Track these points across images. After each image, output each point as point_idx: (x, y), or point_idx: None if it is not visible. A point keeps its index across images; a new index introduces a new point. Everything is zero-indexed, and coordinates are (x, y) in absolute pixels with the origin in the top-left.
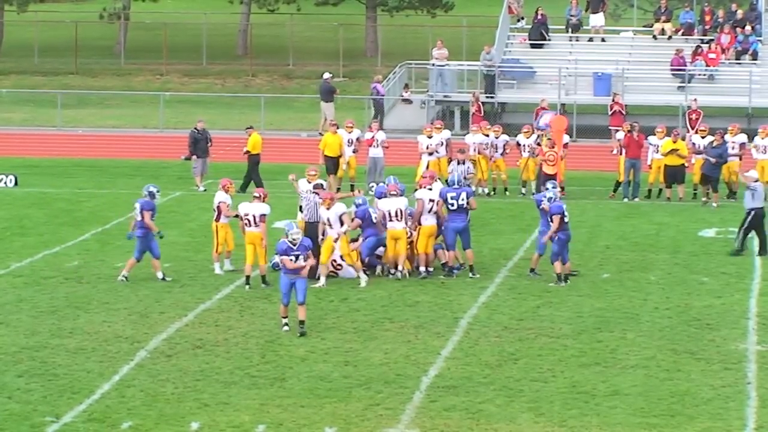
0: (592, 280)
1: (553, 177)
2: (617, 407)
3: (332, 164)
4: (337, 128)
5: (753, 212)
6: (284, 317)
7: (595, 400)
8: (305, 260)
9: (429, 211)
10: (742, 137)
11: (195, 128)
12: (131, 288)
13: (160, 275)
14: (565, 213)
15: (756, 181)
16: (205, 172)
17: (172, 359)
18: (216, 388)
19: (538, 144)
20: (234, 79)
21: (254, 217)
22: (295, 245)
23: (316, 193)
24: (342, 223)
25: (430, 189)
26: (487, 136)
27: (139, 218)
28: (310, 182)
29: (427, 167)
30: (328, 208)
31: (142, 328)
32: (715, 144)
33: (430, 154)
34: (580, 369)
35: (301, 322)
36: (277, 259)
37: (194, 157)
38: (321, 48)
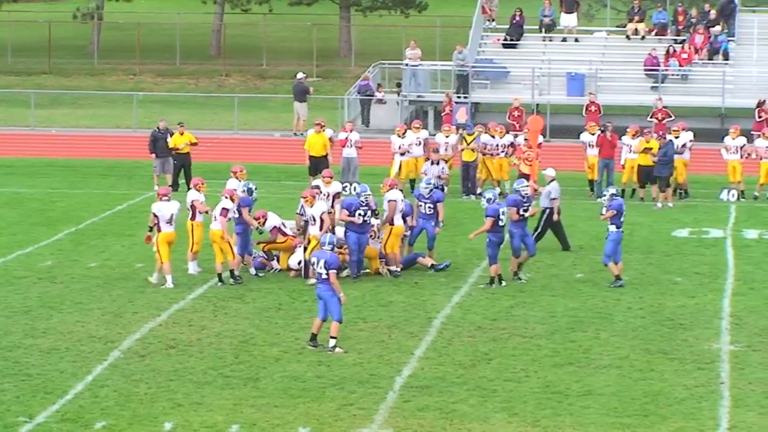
0: (566, 280)
1: (528, 176)
2: (590, 407)
3: (317, 164)
4: (322, 127)
5: (548, 210)
6: (316, 333)
7: (569, 399)
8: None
9: (399, 211)
10: (686, 136)
11: (157, 127)
12: (104, 288)
13: (252, 271)
14: (501, 217)
15: (552, 179)
16: (169, 171)
17: (146, 359)
18: (189, 388)
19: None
20: (207, 79)
21: (216, 209)
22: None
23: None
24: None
25: (401, 189)
26: (493, 137)
27: (236, 215)
28: (239, 180)
29: (400, 167)
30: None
31: (115, 328)
32: (660, 143)
33: (402, 154)
34: (553, 369)
35: (333, 338)
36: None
37: (153, 156)
38: (294, 48)
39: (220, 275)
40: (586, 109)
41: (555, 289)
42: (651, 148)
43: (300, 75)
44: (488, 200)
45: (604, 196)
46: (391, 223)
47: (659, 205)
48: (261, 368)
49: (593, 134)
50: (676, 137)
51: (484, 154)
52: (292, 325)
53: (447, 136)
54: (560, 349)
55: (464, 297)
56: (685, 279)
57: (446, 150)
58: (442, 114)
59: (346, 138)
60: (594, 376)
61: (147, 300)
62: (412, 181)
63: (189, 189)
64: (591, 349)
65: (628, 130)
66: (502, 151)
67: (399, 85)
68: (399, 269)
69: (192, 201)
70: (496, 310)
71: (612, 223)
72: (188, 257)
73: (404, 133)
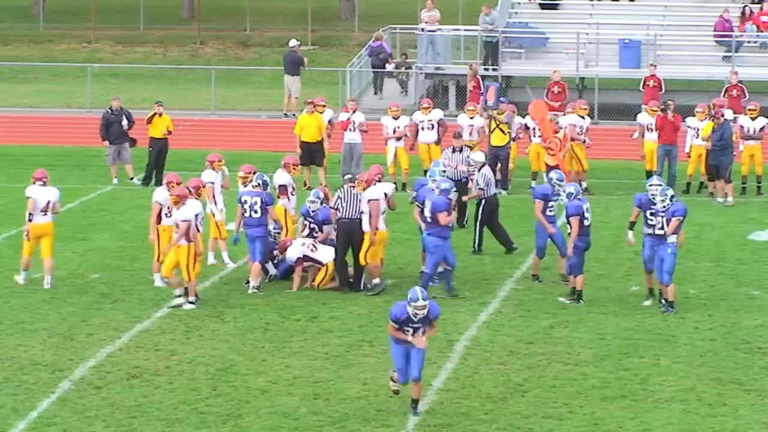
0: (618, 293)
1: (556, 168)
2: None
3: (310, 152)
4: (316, 107)
5: (484, 201)
6: (396, 392)
7: None
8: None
9: (382, 213)
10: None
11: (109, 108)
12: (52, 304)
13: (254, 283)
14: (586, 215)
15: (484, 165)
16: (126, 161)
17: (103, 391)
18: (156, 427)
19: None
20: (178, 47)
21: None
22: (416, 317)
23: (352, 186)
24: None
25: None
26: (583, 117)
27: (248, 214)
28: (217, 172)
29: (395, 155)
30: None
31: (65, 353)
32: (714, 127)
33: (399, 138)
34: (602, 403)
35: (414, 402)
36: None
37: (106, 143)
38: (285, 9)
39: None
40: (644, 83)
41: (605, 304)
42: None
43: (292, 42)
44: (569, 195)
45: (661, 199)
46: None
47: (730, 199)
48: (244, 402)
49: (653, 115)
50: (753, 118)
51: (573, 139)
52: (282, 350)
53: (471, 118)
54: (611, 379)
55: (493, 315)
56: (764, 292)
57: (471, 134)
58: (468, 91)
59: (348, 119)
60: (653, 412)
61: (104, 319)
62: (427, 172)
63: (158, 184)
64: (649, 378)
65: (697, 110)
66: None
67: (406, 64)
68: (381, 283)
69: (154, 202)
70: (533, 331)
71: (674, 232)
72: (153, 267)
73: (400, 114)
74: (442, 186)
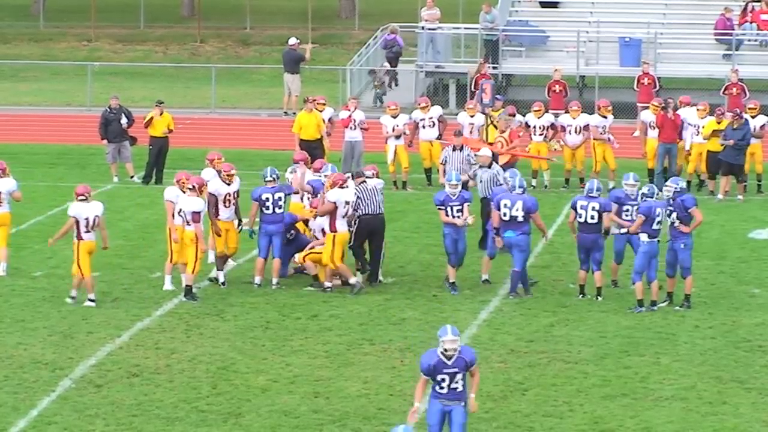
0: (618, 292)
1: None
2: None
3: (310, 151)
4: (315, 102)
5: (485, 200)
6: None
7: None
8: (463, 379)
9: (343, 216)
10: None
11: (108, 107)
12: (52, 303)
13: (275, 280)
14: (580, 211)
15: (492, 162)
16: (126, 159)
17: (103, 390)
18: (156, 425)
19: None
20: (178, 45)
21: (185, 213)
22: (449, 359)
23: (363, 182)
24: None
25: (345, 188)
26: (605, 117)
27: (270, 211)
28: (216, 170)
29: (395, 154)
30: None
31: (65, 351)
32: (735, 125)
33: (398, 137)
34: (603, 401)
35: None
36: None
37: (105, 142)
38: (285, 8)
39: (189, 288)
40: (638, 82)
41: (605, 303)
42: (721, 130)
43: (292, 40)
44: (589, 191)
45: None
46: (334, 230)
47: (740, 197)
48: (244, 401)
49: (656, 113)
50: (753, 117)
51: (595, 139)
52: (282, 348)
53: (472, 116)
54: (611, 378)
55: (494, 313)
56: (764, 291)
57: (471, 133)
58: (480, 89)
59: (349, 117)
60: (653, 410)
61: (104, 317)
62: (428, 171)
63: (158, 182)
64: (649, 377)
65: (698, 108)
66: (540, 134)
67: (380, 79)
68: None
69: (166, 200)
70: (533, 329)
71: (643, 231)
72: (166, 269)
73: (398, 113)
74: (524, 185)
